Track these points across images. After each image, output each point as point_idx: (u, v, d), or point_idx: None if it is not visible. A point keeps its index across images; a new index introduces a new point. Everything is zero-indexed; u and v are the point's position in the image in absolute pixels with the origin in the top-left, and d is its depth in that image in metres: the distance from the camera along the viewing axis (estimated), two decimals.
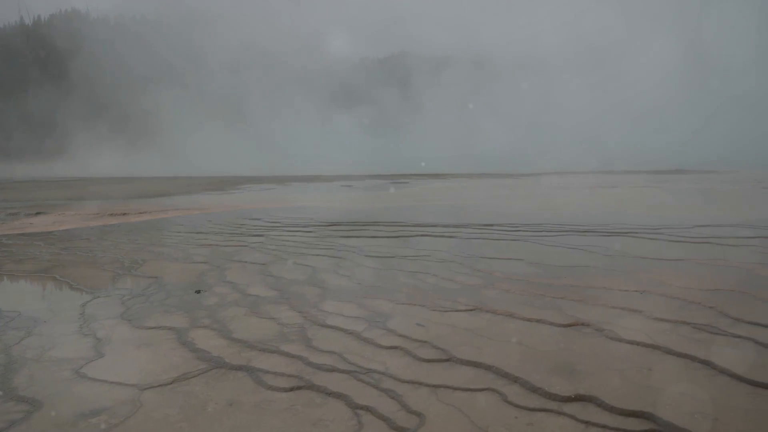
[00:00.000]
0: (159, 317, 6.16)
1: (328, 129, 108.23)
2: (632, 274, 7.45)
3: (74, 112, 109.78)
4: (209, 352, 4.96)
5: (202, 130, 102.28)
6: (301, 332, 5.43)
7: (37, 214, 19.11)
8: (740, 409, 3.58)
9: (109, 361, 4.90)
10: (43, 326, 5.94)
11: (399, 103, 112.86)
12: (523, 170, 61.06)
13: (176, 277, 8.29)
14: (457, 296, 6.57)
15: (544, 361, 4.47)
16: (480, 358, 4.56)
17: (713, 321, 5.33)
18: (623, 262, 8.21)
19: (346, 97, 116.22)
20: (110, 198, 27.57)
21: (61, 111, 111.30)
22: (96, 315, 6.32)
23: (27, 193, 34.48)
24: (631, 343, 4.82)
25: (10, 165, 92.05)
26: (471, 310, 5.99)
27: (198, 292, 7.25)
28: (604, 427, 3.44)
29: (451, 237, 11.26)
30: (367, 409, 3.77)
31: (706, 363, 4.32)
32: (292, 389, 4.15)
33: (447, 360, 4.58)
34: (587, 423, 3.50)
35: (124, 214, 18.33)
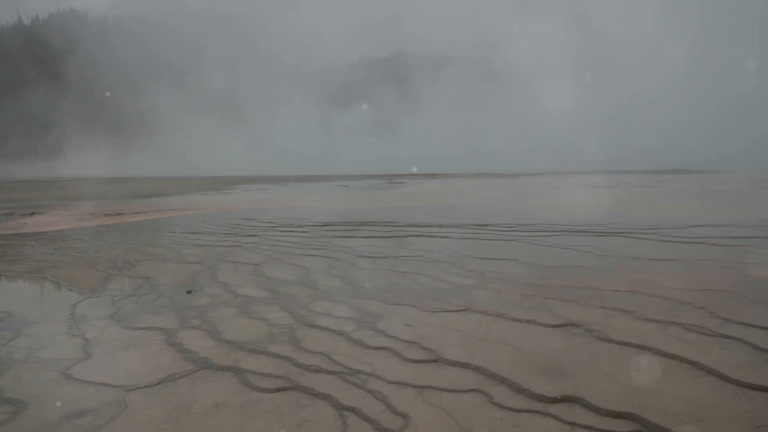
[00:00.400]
0: (149, 318, 6.14)
1: (326, 129, 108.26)
2: (624, 274, 7.44)
3: (71, 112, 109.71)
4: (197, 353, 4.94)
5: (200, 130, 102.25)
6: (290, 333, 5.41)
7: (32, 214, 19.06)
8: (726, 410, 3.57)
9: (97, 362, 4.88)
10: (33, 327, 5.92)
11: (397, 102, 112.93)
12: (521, 170, 61.11)
13: (168, 277, 8.27)
14: (448, 297, 6.55)
15: (533, 362, 4.46)
16: (468, 359, 4.55)
17: (703, 321, 5.32)
18: (616, 262, 8.20)
19: (344, 96, 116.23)
20: (106, 198, 27.52)
21: (58, 111, 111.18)
22: (86, 316, 6.29)
23: (23, 193, 34.42)
24: (620, 343, 4.81)
25: (6, 165, 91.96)
26: (461, 310, 5.98)
27: (189, 292, 7.23)
28: (589, 428, 3.43)
29: (444, 237, 11.25)
30: (353, 410, 3.76)
31: (694, 364, 4.31)
32: (278, 390, 4.13)
33: (435, 361, 4.57)
34: (572, 424, 3.48)
35: (119, 214, 18.29)
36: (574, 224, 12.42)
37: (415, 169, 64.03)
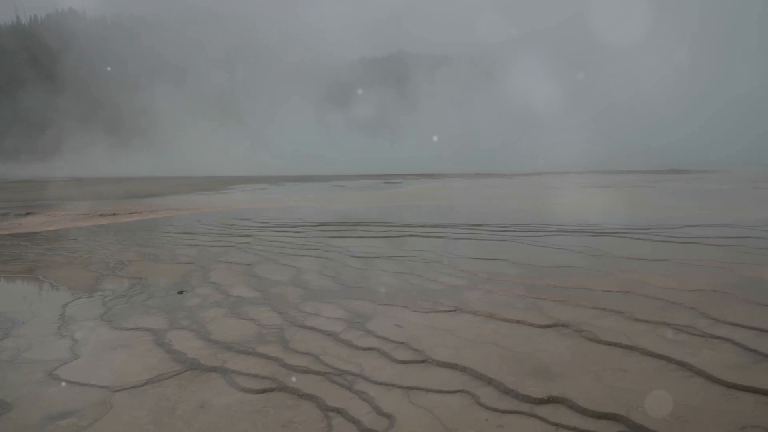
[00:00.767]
0: (138, 318, 6.11)
1: (324, 128, 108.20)
2: (616, 274, 7.43)
3: (69, 112, 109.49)
4: (185, 354, 4.92)
5: (198, 129, 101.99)
6: (279, 333, 5.39)
7: (27, 214, 19.02)
8: (712, 411, 3.56)
9: (84, 362, 4.86)
10: (22, 327, 5.90)
11: (395, 102, 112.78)
12: (518, 170, 61.05)
13: (160, 277, 8.25)
14: (439, 297, 6.54)
15: (521, 363, 4.45)
16: (456, 359, 4.53)
17: (693, 322, 5.32)
18: (608, 263, 8.20)
19: (342, 96, 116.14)
20: (102, 198, 27.46)
21: (55, 110, 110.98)
22: (75, 316, 6.27)
23: (19, 193, 34.33)
24: (609, 344, 4.81)
25: (3, 165, 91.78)
26: (452, 311, 5.97)
27: (180, 293, 7.21)
28: (573, 429, 3.41)
29: (438, 237, 11.24)
30: (338, 411, 3.75)
31: (682, 364, 4.30)
32: (264, 391, 4.12)
33: (423, 361, 4.55)
34: (557, 425, 3.47)
35: (114, 214, 18.26)
36: (569, 224, 12.42)
37: (414, 167, 64.02)
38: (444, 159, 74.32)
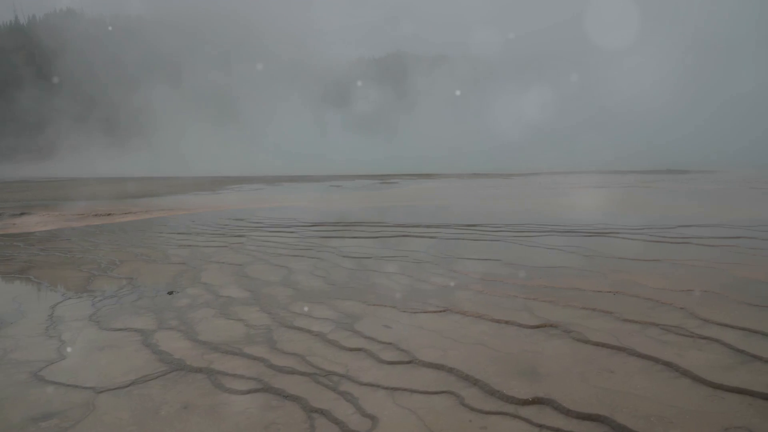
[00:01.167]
0: (127, 319, 6.09)
1: (322, 128, 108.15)
2: (608, 274, 7.42)
3: (66, 112, 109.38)
4: (172, 355, 4.90)
5: (195, 129, 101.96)
6: (267, 334, 5.37)
7: (22, 214, 18.97)
8: (696, 412, 3.55)
9: (70, 363, 4.83)
10: (10, 328, 5.88)
11: (393, 102, 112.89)
12: (517, 170, 61.11)
13: (151, 278, 8.22)
14: (429, 297, 6.52)
15: (507, 364, 4.43)
16: (443, 360, 4.52)
17: (682, 322, 5.30)
18: (600, 263, 8.19)
19: (340, 96, 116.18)
20: (98, 198, 27.40)
21: (53, 110, 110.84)
22: (64, 317, 6.25)
23: (15, 193, 34.26)
24: (597, 344, 4.79)
25: (1, 165, 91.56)
26: (441, 311, 5.95)
27: (171, 293, 7.18)
28: (557, 430, 3.40)
29: (432, 237, 11.22)
30: (322, 412, 3.73)
31: (668, 365, 4.29)
32: (249, 392, 4.10)
33: (409, 362, 4.54)
34: (541, 426, 3.46)
35: (109, 214, 18.21)
36: (563, 224, 12.42)
37: (411, 167, 64.01)
38: (441, 159, 74.38)
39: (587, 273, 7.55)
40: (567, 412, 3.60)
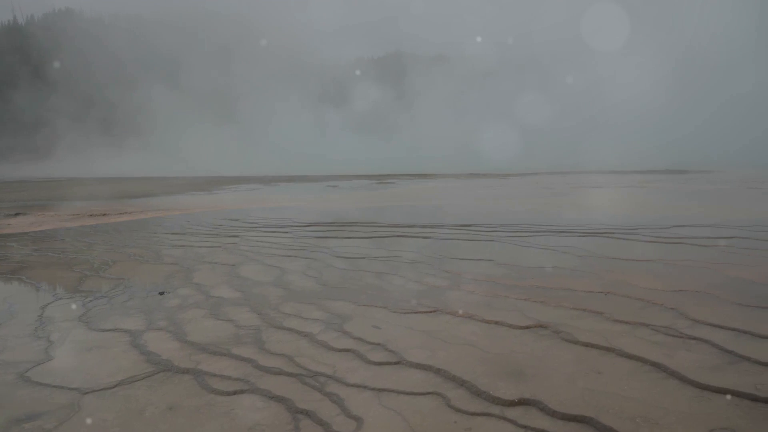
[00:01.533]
0: (117, 319, 6.07)
1: (320, 128, 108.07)
2: (600, 274, 7.41)
3: (65, 112, 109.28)
4: (159, 355, 4.88)
5: (193, 129, 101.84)
6: (256, 334, 5.36)
7: (17, 214, 18.92)
8: (682, 413, 3.54)
9: (57, 364, 4.81)
10: None
11: (392, 102, 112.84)
12: (515, 170, 61.04)
13: (143, 278, 8.20)
14: (420, 298, 6.51)
15: (495, 364, 4.42)
16: (430, 361, 4.50)
17: (672, 323, 5.29)
18: (593, 263, 8.17)
19: (339, 96, 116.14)
20: (94, 198, 27.35)
21: (50, 110, 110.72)
22: (54, 317, 6.23)
23: (11, 193, 34.20)
24: (586, 345, 4.78)
25: None
26: (431, 312, 5.93)
27: (162, 293, 7.16)
28: None
29: (426, 237, 11.20)
30: (307, 413, 3.71)
31: (656, 365, 4.28)
32: (235, 393, 4.08)
33: (397, 363, 4.52)
34: (526, 428, 3.44)
35: (104, 214, 18.18)
36: (557, 224, 12.41)
37: (410, 168, 63.98)
38: (439, 159, 74.35)
39: (580, 273, 7.54)
40: (553, 414, 3.59)
